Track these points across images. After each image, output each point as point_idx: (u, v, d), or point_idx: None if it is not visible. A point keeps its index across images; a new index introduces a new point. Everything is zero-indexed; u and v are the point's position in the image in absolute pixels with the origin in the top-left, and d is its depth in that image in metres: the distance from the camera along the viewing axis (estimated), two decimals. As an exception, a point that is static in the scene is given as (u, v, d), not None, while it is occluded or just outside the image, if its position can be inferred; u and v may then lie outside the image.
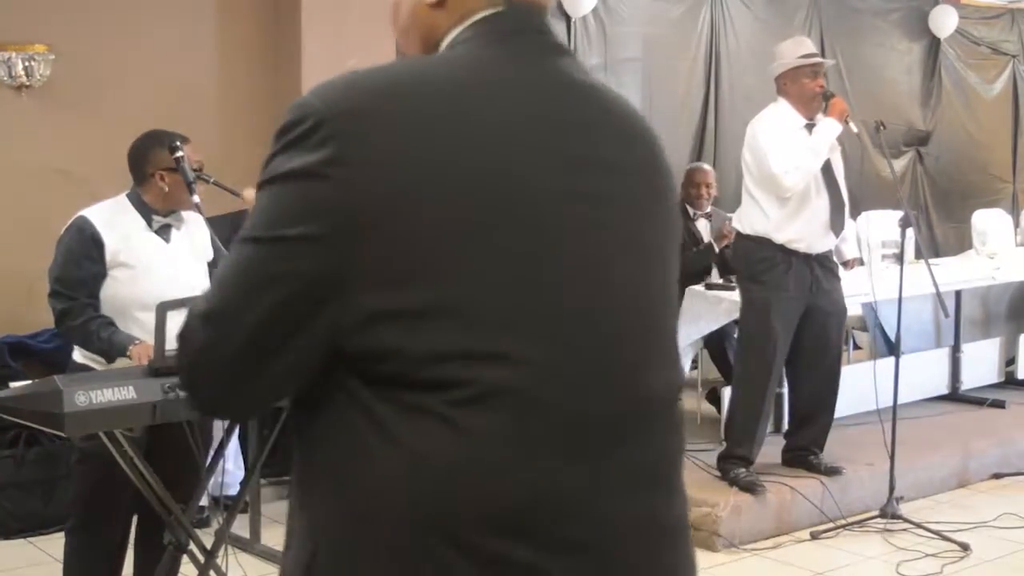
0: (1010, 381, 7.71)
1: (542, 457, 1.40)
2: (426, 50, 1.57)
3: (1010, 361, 7.79)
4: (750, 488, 5.36)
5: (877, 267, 6.54)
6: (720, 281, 6.68)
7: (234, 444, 5.30)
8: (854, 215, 7.46)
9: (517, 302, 1.40)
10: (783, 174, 5.32)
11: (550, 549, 1.40)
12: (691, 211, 7.18)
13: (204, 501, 4.64)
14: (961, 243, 9.28)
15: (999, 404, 7.18)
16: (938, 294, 5.57)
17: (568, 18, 7.71)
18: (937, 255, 8.98)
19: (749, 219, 5.52)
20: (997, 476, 6.29)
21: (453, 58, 1.51)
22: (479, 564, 1.37)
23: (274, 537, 5.18)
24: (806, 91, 5.49)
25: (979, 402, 7.25)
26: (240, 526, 5.01)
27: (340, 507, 1.42)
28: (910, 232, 5.63)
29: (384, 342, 1.36)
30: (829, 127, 5.43)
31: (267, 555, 4.94)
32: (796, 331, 5.50)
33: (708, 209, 7.20)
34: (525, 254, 1.41)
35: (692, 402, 6.93)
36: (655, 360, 1.54)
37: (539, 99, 1.48)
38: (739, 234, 5.61)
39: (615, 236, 1.50)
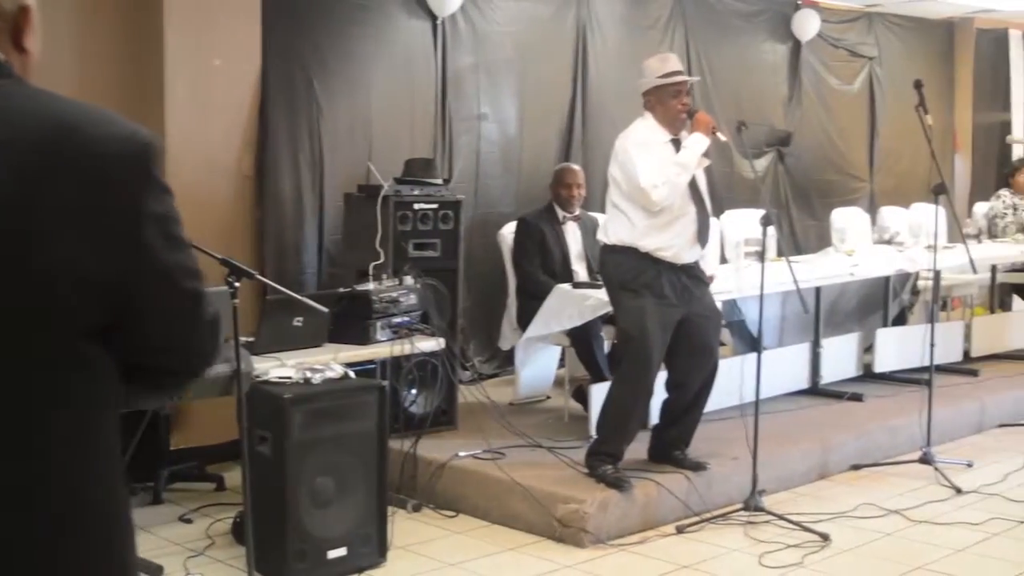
0: (867, 375, 7.92)
1: None
2: None
3: (868, 348, 8.00)
4: (617, 484, 5.42)
5: (740, 265, 6.67)
6: (587, 280, 6.74)
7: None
8: (716, 214, 7.59)
9: None
10: (652, 188, 5.39)
11: None
12: (560, 214, 7.19)
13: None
14: (821, 241, 9.48)
15: (857, 397, 7.38)
16: (798, 291, 5.71)
17: (434, 17, 7.69)
18: (798, 252, 9.17)
19: (615, 230, 5.58)
20: (855, 467, 6.46)
21: None
22: None
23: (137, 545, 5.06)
24: (670, 110, 5.58)
25: (838, 396, 7.43)
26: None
27: None
28: (771, 230, 5.76)
29: None
30: (697, 142, 5.51)
31: (130, 562, 4.83)
32: (676, 338, 5.57)
33: (577, 212, 7.23)
34: None
35: (559, 400, 7.00)
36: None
37: None
38: (604, 246, 5.66)
39: None
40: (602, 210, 6.08)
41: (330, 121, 7.16)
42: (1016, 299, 10.23)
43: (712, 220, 5.92)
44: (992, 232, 9.64)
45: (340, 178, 7.10)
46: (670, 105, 5.58)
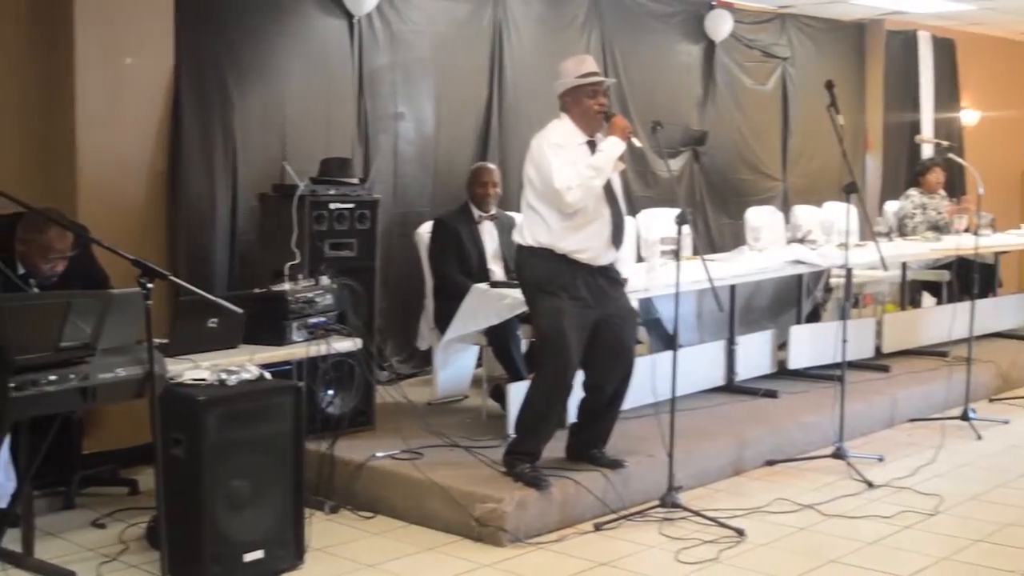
0: (782, 372, 8.02)
1: None
2: None
3: (782, 345, 8.09)
4: (535, 483, 5.43)
5: (656, 263, 6.72)
6: (504, 279, 6.74)
7: (4, 454, 5.07)
8: (632, 213, 7.65)
9: None
10: (566, 190, 5.41)
11: None
12: (476, 213, 7.19)
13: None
14: (736, 239, 9.58)
15: (771, 394, 7.47)
16: (713, 289, 5.77)
17: (350, 16, 7.65)
18: (713, 251, 9.28)
19: (531, 232, 5.59)
20: (770, 463, 6.54)
21: None
22: None
23: (48, 551, 4.99)
24: (587, 110, 5.61)
25: (753, 393, 7.52)
26: (12, 540, 4.81)
27: None
28: (686, 229, 5.81)
29: None
30: (613, 145, 5.54)
31: (41, 570, 4.75)
32: (593, 339, 5.59)
33: (493, 211, 7.23)
34: None
35: (477, 399, 7.00)
36: None
37: None
38: (521, 247, 5.67)
39: None
40: (518, 209, 6.08)
41: (244, 120, 7.10)
42: (926, 296, 10.43)
43: (627, 222, 5.94)
44: (902, 231, 9.80)
45: (254, 178, 7.04)
46: (587, 105, 5.61)
